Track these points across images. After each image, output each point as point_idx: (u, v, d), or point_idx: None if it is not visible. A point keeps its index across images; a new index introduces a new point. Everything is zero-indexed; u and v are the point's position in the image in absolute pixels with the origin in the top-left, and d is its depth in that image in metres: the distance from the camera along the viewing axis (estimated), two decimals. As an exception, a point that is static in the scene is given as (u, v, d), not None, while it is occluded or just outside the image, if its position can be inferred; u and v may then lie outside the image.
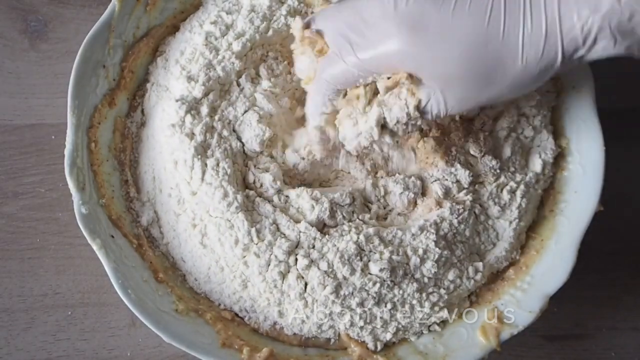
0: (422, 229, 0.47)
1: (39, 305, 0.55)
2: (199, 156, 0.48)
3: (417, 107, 0.43)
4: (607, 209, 0.50)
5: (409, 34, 0.40)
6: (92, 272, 0.55)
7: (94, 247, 0.46)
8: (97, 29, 0.50)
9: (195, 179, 0.48)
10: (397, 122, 0.44)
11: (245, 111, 0.50)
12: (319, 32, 0.45)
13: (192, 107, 0.49)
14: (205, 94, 0.49)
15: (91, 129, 0.50)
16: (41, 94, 0.59)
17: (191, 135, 0.48)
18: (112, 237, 0.48)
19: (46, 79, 0.59)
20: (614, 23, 0.37)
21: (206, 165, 0.47)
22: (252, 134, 0.49)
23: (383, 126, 0.45)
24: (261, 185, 0.49)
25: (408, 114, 0.43)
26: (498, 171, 0.50)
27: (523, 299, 0.49)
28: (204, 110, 0.49)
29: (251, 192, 0.48)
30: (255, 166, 0.50)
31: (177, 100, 0.49)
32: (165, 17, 0.54)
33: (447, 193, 0.49)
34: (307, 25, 0.46)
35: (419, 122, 0.44)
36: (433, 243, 0.47)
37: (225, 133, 0.49)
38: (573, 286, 0.48)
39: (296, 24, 0.47)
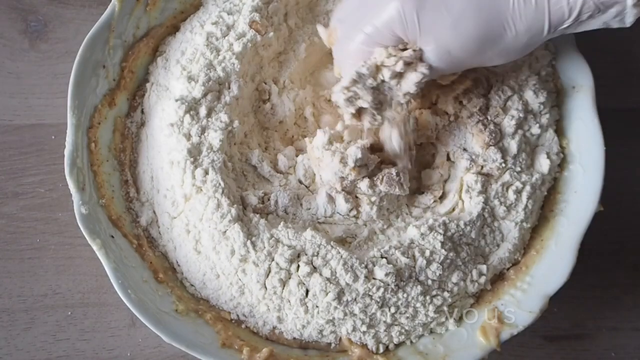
0: (431, 228, 0.47)
1: (39, 305, 0.55)
2: (192, 159, 0.47)
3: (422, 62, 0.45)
4: (607, 209, 0.50)
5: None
6: (92, 272, 0.55)
7: (94, 247, 0.46)
8: (97, 29, 0.50)
9: (187, 183, 0.47)
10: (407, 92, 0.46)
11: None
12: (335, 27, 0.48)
13: (192, 107, 0.49)
14: (204, 95, 0.49)
15: (91, 129, 0.50)
16: (41, 94, 0.59)
17: (188, 136, 0.48)
18: (112, 237, 0.48)
19: (46, 79, 0.59)
20: None
21: (195, 169, 0.47)
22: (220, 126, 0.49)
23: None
24: (270, 203, 0.49)
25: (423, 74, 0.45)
26: (503, 165, 0.50)
27: (523, 299, 0.49)
28: (203, 111, 0.49)
29: (252, 215, 0.48)
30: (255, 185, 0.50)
31: (176, 100, 0.49)
32: (165, 17, 0.54)
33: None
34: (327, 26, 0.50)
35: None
36: (440, 244, 0.47)
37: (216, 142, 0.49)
38: (573, 286, 0.48)
39: (320, 30, 0.50)
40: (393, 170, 0.48)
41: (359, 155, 0.47)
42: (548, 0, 0.41)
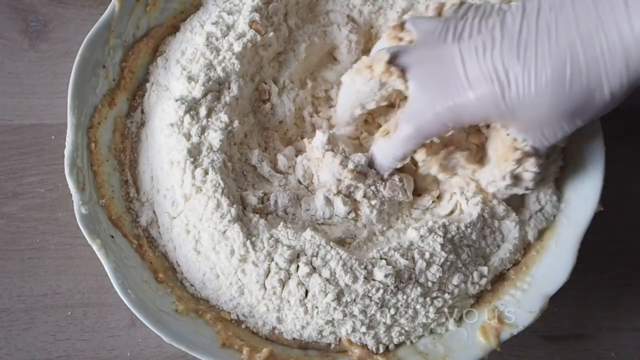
0: (430, 230, 0.47)
1: (39, 305, 0.55)
2: (192, 159, 0.47)
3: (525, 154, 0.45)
4: (607, 209, 0.50)
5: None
6: (92, 272, 0.55)
7: (94, 248, 0.46)
8: (97, 29, 0.50)
9: (187, 183, 0.47)
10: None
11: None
12: (403, 70, 0.44)
13: (192, 107, 0.49)
14: (204, 95, 0.49)
15: (91, 129, 0.50)
16: (41, 94, 0.59)
17: (188, 136, 0.48)
18: (112, 237, 0.48)
19: (46, 79, 0.60)
20: None
21: (195, 169, 0.47)
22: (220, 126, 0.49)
23: None
24: (270, 203, 0.49)
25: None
26: None
27: (523, 299, 0.49)
28: (203, 111, 0.49)
29: (252, 215, 0.48)
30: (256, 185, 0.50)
31: (176, 100, 0.49)
32: (165, 17, 0.54)
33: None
34: (392, 59, 0.44)
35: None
36: (439, 246, 0.47)
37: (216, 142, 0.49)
38: (573, 286, 0.48)
39: (381, 55, 0.45)
40: (396, 177, 0.48)
41: (362, 162, 0.47)
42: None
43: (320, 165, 0.49)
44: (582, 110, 0.40)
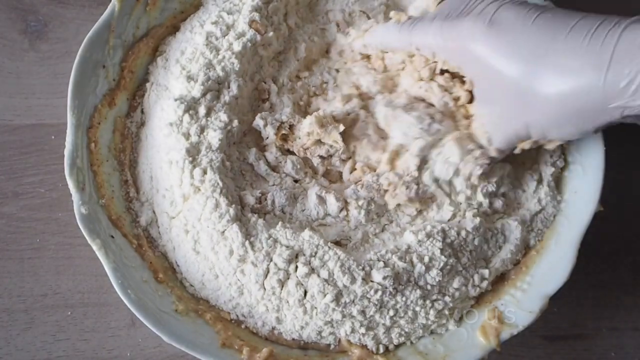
0: (429, 235, 0.47)
1: (39, 305, 0.55)
2: (191, 158, 0.47)
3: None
4: (607, 209, 0.50)
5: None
6: (92, 272, 0.55)
7: (94, 247, 0.46)
8: (97, 29, 0.50)
9: (186, 183, 0.47)
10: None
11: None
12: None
13: (191, 106, 0.49)
14: (204, 94, 0.49)
15: (91, 129, 0.50)
16: (41, 94, 0.59)
17: (187, 136, 0.48)
18: (112, 237, 0.48)
19: (46, 79, 0.59)
20: None
21: (194, 169, 0.47)
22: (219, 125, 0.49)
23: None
24: (268, 203, 0.49)
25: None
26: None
27: (523, 299, 0.49)
28: (202, 110, 0.49)
29: (251, 215, 0.47)
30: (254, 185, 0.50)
31: (175, 100, 0.49)
32: (165, 17, 0.54)
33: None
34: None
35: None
36: (439, 251, 0.46)
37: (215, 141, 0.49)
38: (573, 286, 0.48)
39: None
40: (369, 177, 0.49)
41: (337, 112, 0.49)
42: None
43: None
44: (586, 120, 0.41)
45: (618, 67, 0.37)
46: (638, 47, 0.37)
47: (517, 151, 0.47)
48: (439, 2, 0.50)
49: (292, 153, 0.51)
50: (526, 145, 0.46)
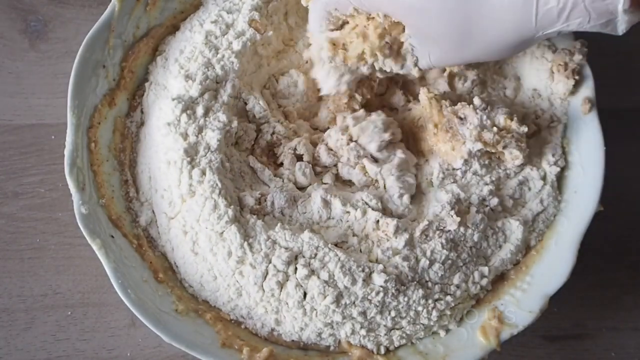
0: (430, 230, 0.47)
1: (39, 305, 0.55)
2: (189, 159, 0.47)
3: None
4: (607, 209, 0.50)
5: None
6: (92, 272, 0.55)
7: (94, 247, 0.46)
8: (97, 29, 0.50)
9: (184, 184, 0.47)
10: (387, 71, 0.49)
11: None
12: None
13: (188, 106, 0.49)
14: (202, 93, 0.49)
15: (91, 129, 0.50)
16: (41, 94, 0.59)
17: (185, 136, 0.48)
18: (112, 237, 0.48)
19: (46, 79, 0.59)
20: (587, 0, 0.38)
21: (192, 169, 0.47)
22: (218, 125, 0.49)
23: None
24: (268, 204, 0.48)
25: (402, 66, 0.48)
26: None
27: (523, 299, 0.49)
28: (200, 110, 0.49)
29: (250, 216, 0.47)
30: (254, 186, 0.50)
31: (173, 99, 0.49)
32: (165, 17, 0.54)
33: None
34: None
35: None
36: (440, 245, 0.47)
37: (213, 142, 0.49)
38: (573, 286, 0.48)
39: None
40: (376, 117, 0.51)
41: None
42: (536, 1, 0.40)
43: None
44: (470, 38, 0.43)
45: None
46: None
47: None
48: None
49: (301, 159, 0.51)
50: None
